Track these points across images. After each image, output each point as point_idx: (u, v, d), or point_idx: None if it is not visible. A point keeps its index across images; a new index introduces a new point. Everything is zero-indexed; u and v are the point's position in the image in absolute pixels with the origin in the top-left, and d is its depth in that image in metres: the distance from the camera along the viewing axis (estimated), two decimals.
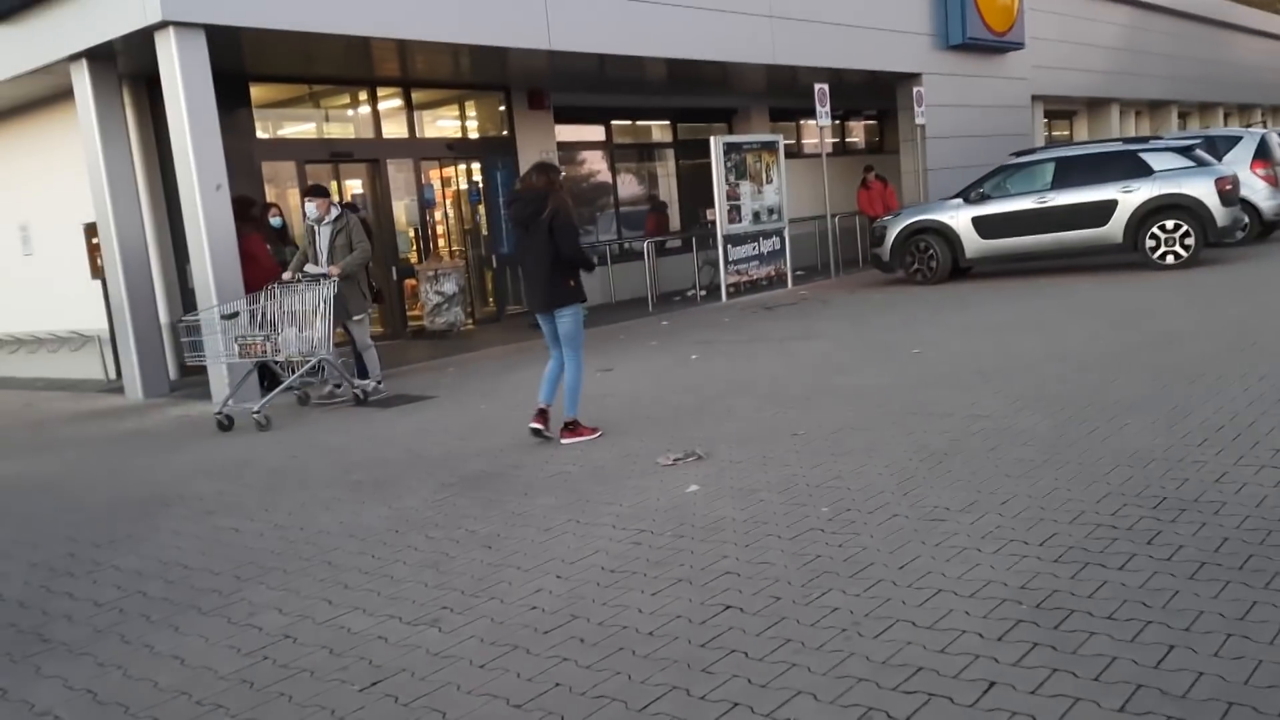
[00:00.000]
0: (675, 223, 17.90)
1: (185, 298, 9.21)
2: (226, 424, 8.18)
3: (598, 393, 8.20)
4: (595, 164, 16.99)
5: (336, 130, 13.50)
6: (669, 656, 3.24)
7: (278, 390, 8.63)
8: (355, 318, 9.13)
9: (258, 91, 12.11)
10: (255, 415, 8.10)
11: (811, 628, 3.36)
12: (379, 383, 9.20)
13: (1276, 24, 34.55)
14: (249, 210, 9.79)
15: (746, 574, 3.88)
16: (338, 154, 13.00)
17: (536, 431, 6.52)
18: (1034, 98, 21.58)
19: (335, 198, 9.68)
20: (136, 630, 3.88)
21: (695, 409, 7.15)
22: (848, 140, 22.03)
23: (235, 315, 8.59)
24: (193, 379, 10.43)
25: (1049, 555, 3.77)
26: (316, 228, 8.97)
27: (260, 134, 12.11)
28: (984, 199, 13.64)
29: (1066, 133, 26.87)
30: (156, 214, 11.24)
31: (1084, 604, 3.34)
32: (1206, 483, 4.43)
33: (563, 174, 6.57)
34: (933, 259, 13.92)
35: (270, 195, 12.27)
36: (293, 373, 8.61)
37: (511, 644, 3.44)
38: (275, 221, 10.50)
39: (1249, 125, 29.86)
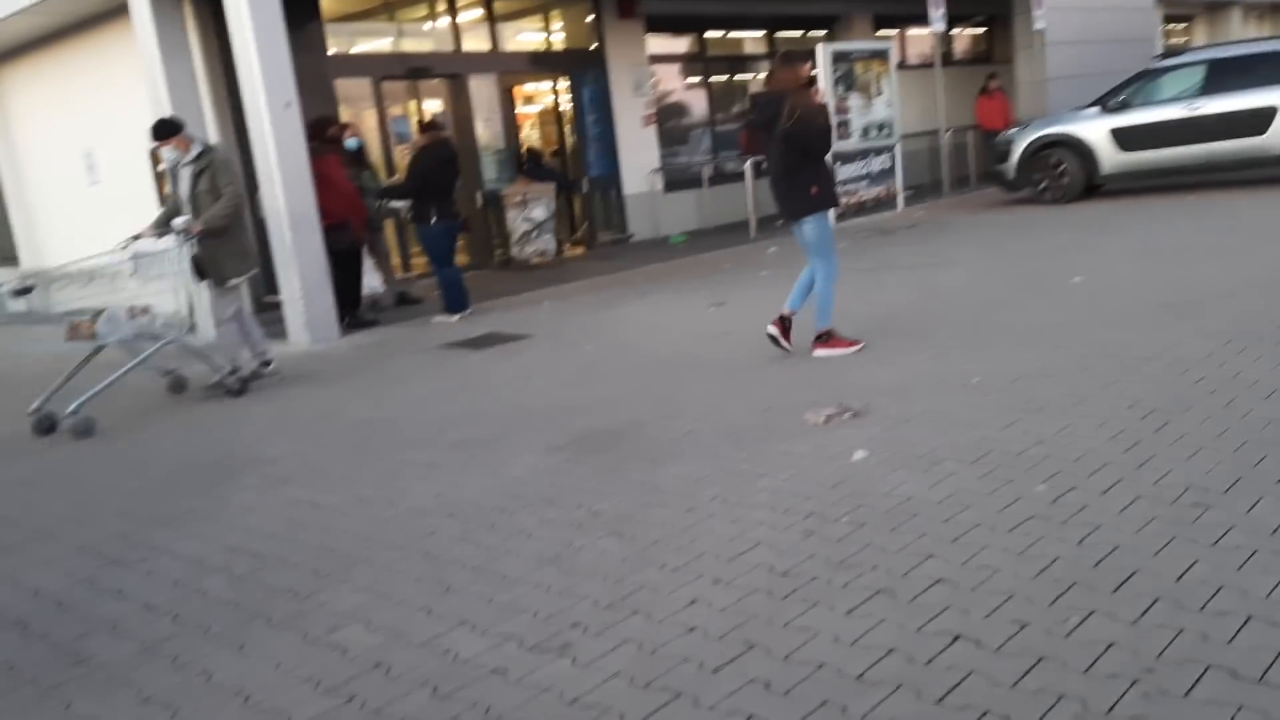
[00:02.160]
0: None
1: (257, 228, 8.51)
2: (46, 427, 6.25)
3: (714, 331, 7.27)
4: (687, 77, 15.81)
5: (413, 45, 12.58)
6: (897, 717, 2.36)
7: (95, 390, 6.26)
8: (230, 282, 6.99)
9: (329, 3, 11.22)
10: (68, 419, 6.12)
11: (1086, 676, 2.44)
12: (264, 363, 7.29)
13: None
14: (324, 131, 8.97)
15: (966, 584, 2.96)
16: (415, 69, 12.08)
17: (773, 339, 6.17)
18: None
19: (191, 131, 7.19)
20: (192, 648, 3.13)
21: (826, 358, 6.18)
22: (955, 50, 20.35)
23: (28, 290, 6.71)
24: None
25: None
26: (178, 171, 7.01)
27: (332, 49, 11.24)
28: (1124, 107, 12.16)
29: (1186, 39, 24.70)
30: (225, 137, 10.49)
31: None
32: None
33: (809, 66, 6.05)
34: (1064, 175, 12.53)
35: (345, 116, 11.48)
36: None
37: (672, 690, 2.59)
38: (351, 143, 9.70)
39: None
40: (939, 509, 3.54)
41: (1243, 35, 23.90)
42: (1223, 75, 11.69)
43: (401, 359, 7.63)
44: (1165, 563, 2.95)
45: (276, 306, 8.95)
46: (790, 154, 5.98)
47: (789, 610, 2.93)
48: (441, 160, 8.93)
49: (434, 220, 8.88)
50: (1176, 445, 3.90)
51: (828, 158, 6.17)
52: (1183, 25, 24.68)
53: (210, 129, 10.28)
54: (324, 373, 7.40)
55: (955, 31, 20.51)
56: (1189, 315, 6.02)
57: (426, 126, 9.16)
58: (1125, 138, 12.07)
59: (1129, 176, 12.45)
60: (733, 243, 12.59)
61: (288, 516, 4.29)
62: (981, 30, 21.00)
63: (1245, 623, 2.59)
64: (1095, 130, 12.23)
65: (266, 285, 9.67)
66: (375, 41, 12.29)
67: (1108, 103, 12.33)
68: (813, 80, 6.01)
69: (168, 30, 9.31)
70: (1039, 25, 16.46)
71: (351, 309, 9.19)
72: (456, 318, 9.02)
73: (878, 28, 17.91)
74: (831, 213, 6.20)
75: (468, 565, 3.54)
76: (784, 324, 6.17)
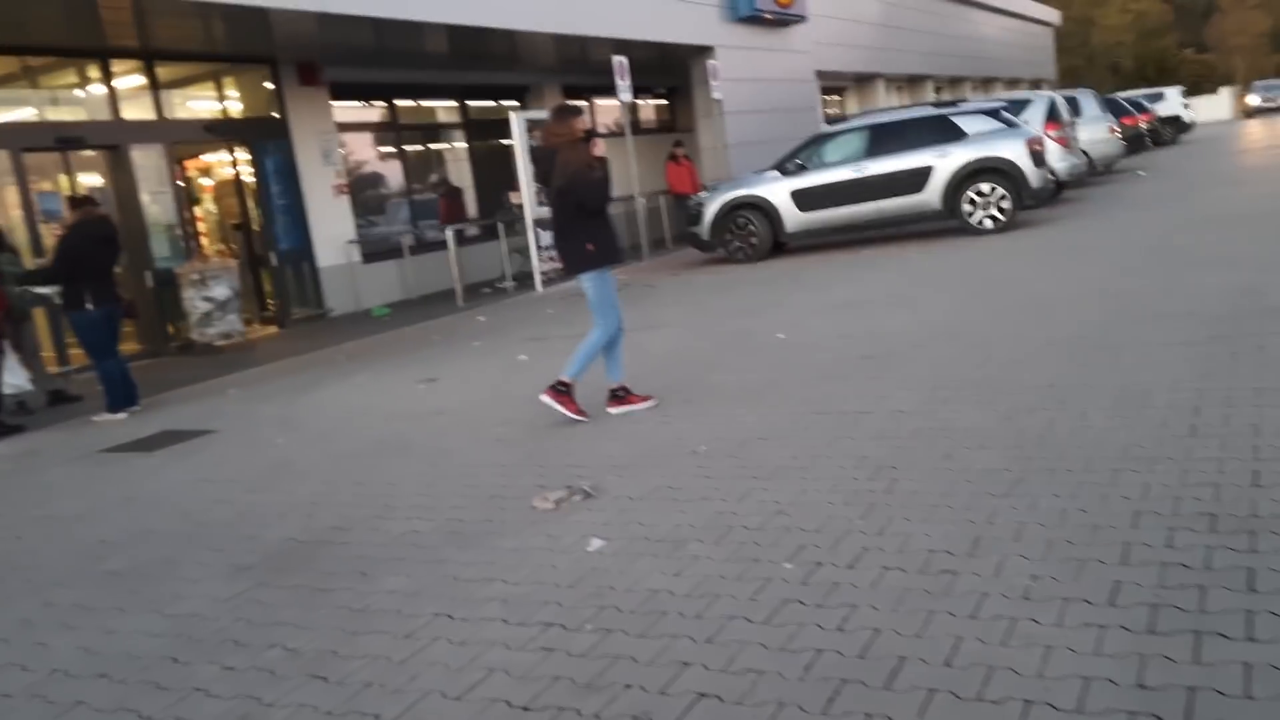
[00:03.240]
0: (471, 208, 16.33)
1: None
2: None
3: (425, 410, 6.72)
4: (379, 146, 15.19)
5: (64, 113, 11.18)
6: None
7: None
8: None
9: None
10: None
11: None
12: None
13: (1015, 2, 36.33)
14: None
15: (731, 695, 2.63)
16: (66, 140, 10.71)
17: (625, 412, 5.88)
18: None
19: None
20: None
21: (550, 427, 5.82)
22: (641, 119, 21.08)
23: None
24: None
25: (1136, 623, 2.73)
26: None
27: None
28: (800, 170, 12.96)
29: (840, 108, 27.12)
30: None
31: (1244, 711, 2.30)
32: (1243, 486, 3.55)
33: (582, 116, 5.89)
34: (753, 235, 13.10)
35: None
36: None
37: None
38: None
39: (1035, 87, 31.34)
40: (689, 603, 3.22)
41: (888, 104, 26.57)
42: (884, 139, 12.73)
43: (50, 472, 6.45)
44: (931, 644, 2.76)
45: None
46: (565, 209, 5.80)
47: None
48: (96, 239, 7.82)
49: (88, 306, 7.73)
50: (909, 505, 3.83)
51: (610, 211, 5.89)
52: (837, 96, 27.06)
53: None
54: None
55: (641, 101, 21.30)
56: (890, 367, 6.19)
57: (78, 202, 8.01)
58: (803, 198, 12.82)
59: (811, 234, 13.20)
60: (440, 313, 12.07)
61: None
62: (664, 101, 21.93)
63: (1026, 710, 2.42)
64: (777, 192, 12.90)
65: None
66: (15, 110, 10.76)
67: (785, 166, 13.06)
68: (590, 134, 5.73)
69: None
70: (716, 95, 17.35)
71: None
72: (122, 415, 7.87)
73: (568, 98, 18.16)
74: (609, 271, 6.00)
75: None
76: (616, 396, 5.95)
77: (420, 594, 3.59)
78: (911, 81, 28.96)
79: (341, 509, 4.77)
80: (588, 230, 5.77)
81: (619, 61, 14.36)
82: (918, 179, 12.40)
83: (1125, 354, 5.64)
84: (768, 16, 18.51)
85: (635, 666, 2.85)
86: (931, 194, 12.40)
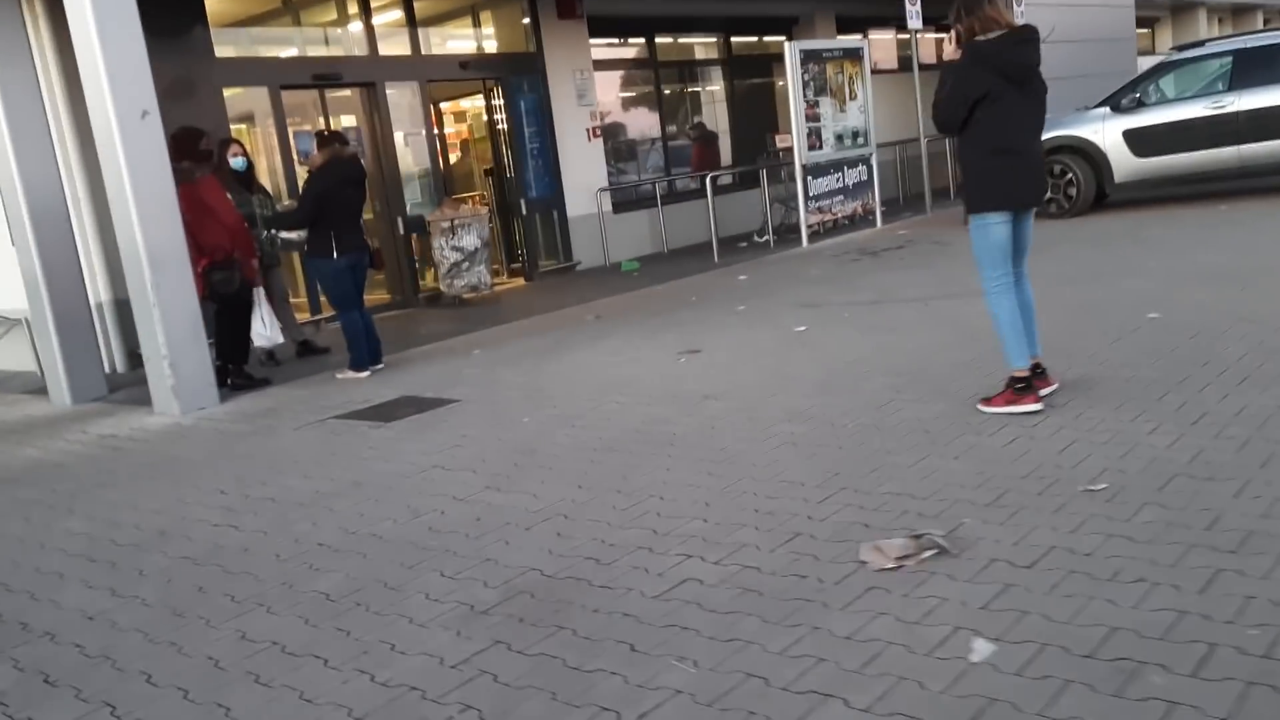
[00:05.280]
0: (726, 155, 15.07)
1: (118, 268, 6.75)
2: None
3: (690, 392, 5.59)
4: (635, 86, 14.18)
5: (319, 49, 10.81)
6: None
7: None
8: None
9: (216, 3, 9.42)
10: None
11: None
12: None
13: None
14: (195, 146, 7.14)
15: None
16: (322, 76, 10.30)
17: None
18: None
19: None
20: None
21: (864, 429, 4.53)
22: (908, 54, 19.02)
23: None
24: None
25: None
26: None
27: (220, 52, 9.42)
28: (1138, 106, 10.76)
29: (1149, 42, 23.78)
30: (87, 158, 8.61)
31: None
32: None
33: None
34: (1072, 185, 11.08)
35: (237, 130, 9.68)
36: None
37: None
38: (236, 163, 7.91)
39: None
40: None
41: (1210, 36, 23.01)
42: (1254, 67, 10.29)
43: (284, 438, 5.81)
44: None
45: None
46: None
47: None
48: (343, 181, 7.17)
49: (334, 254, 7.12)
50: None
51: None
52: (1146, 30, 23.74)
53: (68, 149, 8.47)
54: (172, 461, 5.58)
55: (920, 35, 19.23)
56: None
57: (326, 140, 7.37)
58: (1141, 140, 10.65)
59: (1149, 184, 11.04)
60: (694, 270, 10.96)
61: None
62: (942, 35, 19.72)
63: None
64: (1106, 133, 10.79)
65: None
66: (273, 46, 10.49)
67: (1119, 101, 10.91)
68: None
69: (3, 30, 7.46)
70: (1019, 19, 15.17)
71: (238, 365, 7.39)
72: (365, 373, 7.25)
73: (841, 31, 16.48)
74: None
75: None
76: (1023, 382, 4.48)
77: (715, 704, 2.43)
78: (1236, 12, 25.01)
79: (597, 528, 3.71)
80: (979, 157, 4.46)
81: None
82: None
83: None
84: None
85: None
86: None
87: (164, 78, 8.27)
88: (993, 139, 4.38)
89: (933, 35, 19.23)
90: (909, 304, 7.43)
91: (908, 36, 13.82)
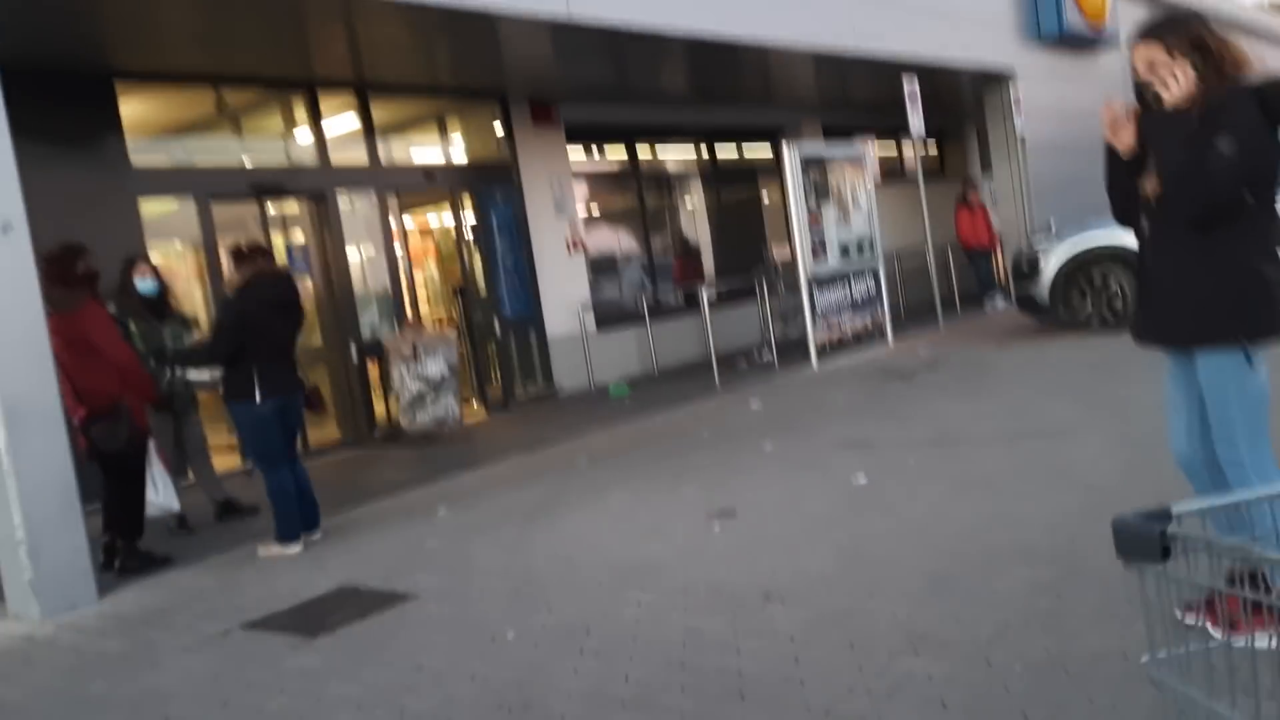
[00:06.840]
0: (708, 267, 13.77)
1: None
2: None
3: (744, 585, 4.00)
4: (614, 195, 12.95)
5: (263, 155, 9.46)
6: None
7: None
8: None
9: (132, 98, 8.07)
10: None
11: None
12: None
13: None
14: (71, 268, 5.56)
15: None
16: (262, 187, 8.91)
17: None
18: None
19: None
20: None
21: (1027, 670, 2.98)
22: (907, 163, 18.11)
23: None
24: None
25: None
26: None
27: (137, 160, 7.99)
28: None
29: None
30: None
31: None
32: None
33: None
34: (1118, 298, 9.76)
35: (158, 248, 8.23)
36: None
37: None
38: (145, 285, 6.47)
39: None
40: None
41: None
42: None
43: (159, 672, 4.08)
44: None
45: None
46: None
47: None
48: (269, 305, 5.65)
49: (258, 397, 5.57)
50: None
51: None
52: None
53: None
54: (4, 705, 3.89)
55: (907, 145, 18.36)
56: None
57: (243, 256, 5.81)
58: None
59: None
60: (694, 394, 9.52)
61: None
62: (930, 140, 18.86)
63: None
64: None
65: None
66: (207, 154, 9.08)
67: None
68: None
69: None
70: (1019, 129, 14.29)
71: (130, 541, 5.72)
72: (296, 547, 5.62)
73: (827, 138, 15.49)
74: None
75: None
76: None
77: None
78: None
79: None
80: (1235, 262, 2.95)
81: (910, 87, 11.55)
82: None
83: None
84: (1088, 35, 15.31)
85: None
86: None
87: (60, 187, 6.90)
88: (1273, 235, 2.93)
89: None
90: (987, 446, 5.93)
91: (893, 146, 12.84)
